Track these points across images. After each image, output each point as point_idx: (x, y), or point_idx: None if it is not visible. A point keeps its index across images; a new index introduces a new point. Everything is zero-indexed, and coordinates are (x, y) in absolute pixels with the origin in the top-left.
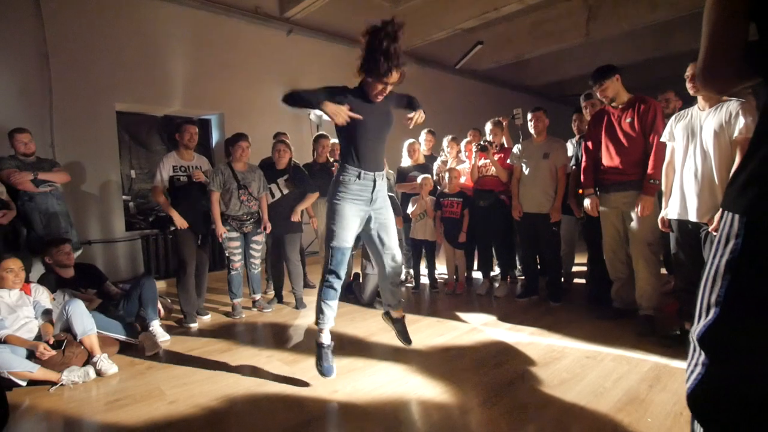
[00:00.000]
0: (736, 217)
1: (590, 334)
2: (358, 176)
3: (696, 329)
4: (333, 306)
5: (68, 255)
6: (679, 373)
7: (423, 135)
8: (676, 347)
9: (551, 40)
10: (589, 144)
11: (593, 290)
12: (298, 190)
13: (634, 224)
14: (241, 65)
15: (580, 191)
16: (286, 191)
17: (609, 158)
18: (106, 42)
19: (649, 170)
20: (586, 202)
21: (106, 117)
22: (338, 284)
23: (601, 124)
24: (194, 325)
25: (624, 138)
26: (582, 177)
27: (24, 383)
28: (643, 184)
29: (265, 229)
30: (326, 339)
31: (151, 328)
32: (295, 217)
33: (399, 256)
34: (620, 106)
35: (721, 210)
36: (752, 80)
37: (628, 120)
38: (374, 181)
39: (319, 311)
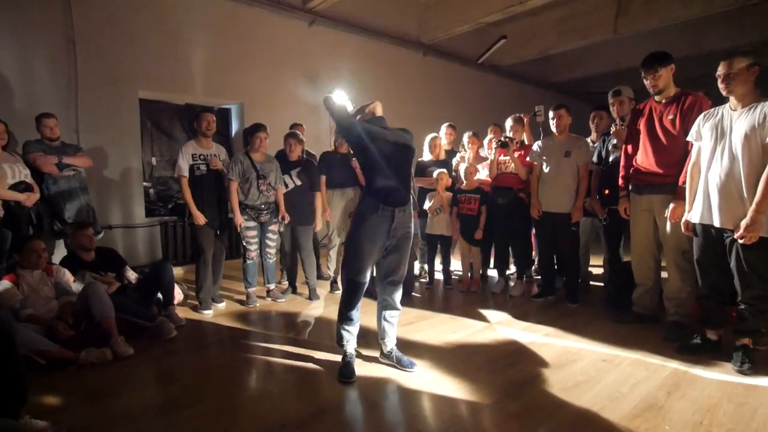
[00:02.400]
0: None
1: (608, 337)
2: (377, 209)
3: None
4: (352, 331)
5: (90, 239)
6: (699, 381)
7: (443, 129)
8: (697, 354)
9: (577, 35)
10: (629, 148)
11: (612, 294)
12: (308, 181)
13: (668, 230)
14: (262, 55)
15: (606, 192)
16: (299, 182)
17: (645, 157)
18: (130, 30)
19: (683, 174)
20: (620, 205)
21: (129, 104)
22: (355, 314)
23: (641, 121)
24: (209, 312)
25: (663, 135)
26: (621, 181)
27: (43, 362)
28: (677, 188)
29: (283, 219)
30: (350, 349)
31: (166, 313)
32: (318, 226)
33: (398, 293)
34: (664, 101)
35: None
36: None
37: (671, 117)
38: (393, 216)
39: (339, 336)
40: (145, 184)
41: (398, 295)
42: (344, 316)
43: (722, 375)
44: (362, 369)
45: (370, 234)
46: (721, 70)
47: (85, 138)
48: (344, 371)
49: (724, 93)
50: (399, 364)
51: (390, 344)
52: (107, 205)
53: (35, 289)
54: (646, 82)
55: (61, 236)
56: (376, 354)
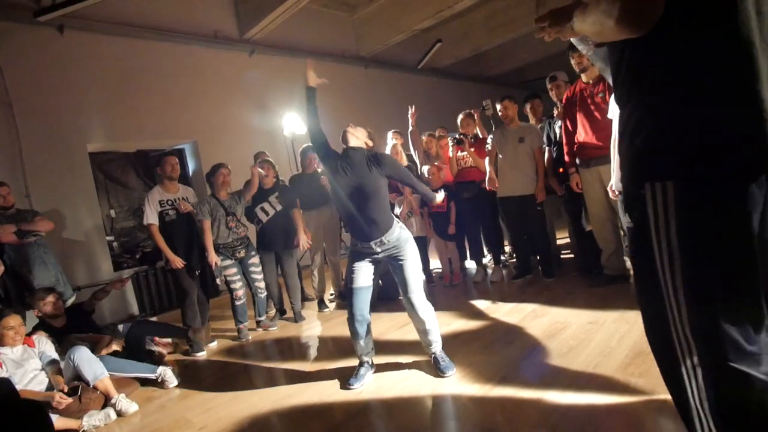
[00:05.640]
0: None
1: (588, 302)
2: (356, 245)
3: None
4: (361, 343)
5: (54, 304)
6: None
7: (390, 135)
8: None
9: (505, 30)
10: (569, 124)
11: (583, 262)
12: (285, 206)
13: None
14: (208, 91)
15: (561, 170)
16: (279, 208)
17: (586, 134)
18: (69, 84)
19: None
20: (572, 180)
21: (79, 159)
22: (358, 324)
23: (575, 103)
24: (202, 354)
25: (597, 112)
26: (566, 158)
27: None
28: None
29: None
30: (363, 359)
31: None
32: (302, 241)
33: (419, 305)
34: (591, 81)
35: None
36: None
37: (600, 94)
38: (372, 248)
39: (354, 346)
40: (108, 238)
41: (418, 307)
42: (350, 330)
43: None
44: (377, 378)
45: (356, 255)
46: None
47: (38, 201)
48: (350, 379)
49: None
50: (435, 367)
51: (430, 350)
52: (72, 266)
53: (21, 365)
54: (573, 61)
55: (29, 306)
56: (379, 362)
